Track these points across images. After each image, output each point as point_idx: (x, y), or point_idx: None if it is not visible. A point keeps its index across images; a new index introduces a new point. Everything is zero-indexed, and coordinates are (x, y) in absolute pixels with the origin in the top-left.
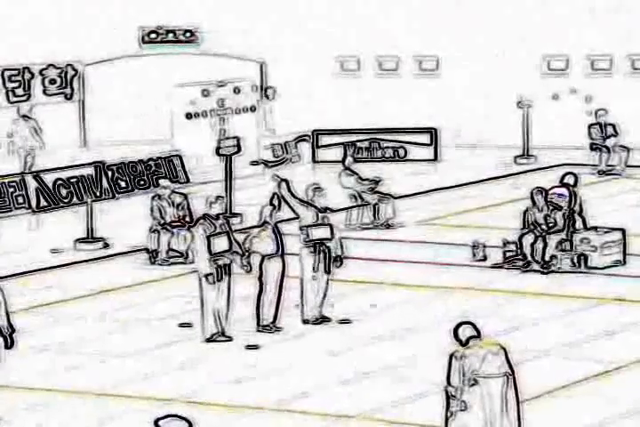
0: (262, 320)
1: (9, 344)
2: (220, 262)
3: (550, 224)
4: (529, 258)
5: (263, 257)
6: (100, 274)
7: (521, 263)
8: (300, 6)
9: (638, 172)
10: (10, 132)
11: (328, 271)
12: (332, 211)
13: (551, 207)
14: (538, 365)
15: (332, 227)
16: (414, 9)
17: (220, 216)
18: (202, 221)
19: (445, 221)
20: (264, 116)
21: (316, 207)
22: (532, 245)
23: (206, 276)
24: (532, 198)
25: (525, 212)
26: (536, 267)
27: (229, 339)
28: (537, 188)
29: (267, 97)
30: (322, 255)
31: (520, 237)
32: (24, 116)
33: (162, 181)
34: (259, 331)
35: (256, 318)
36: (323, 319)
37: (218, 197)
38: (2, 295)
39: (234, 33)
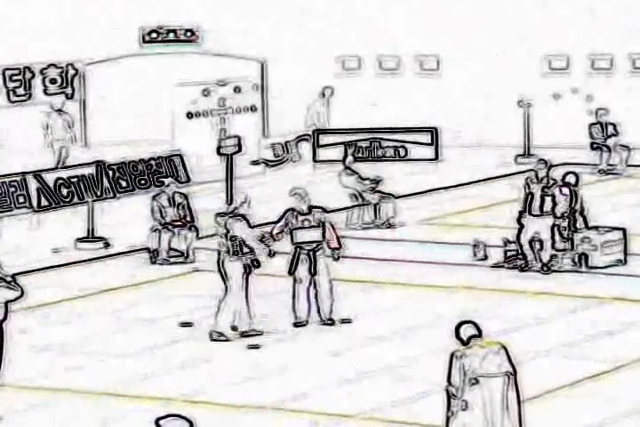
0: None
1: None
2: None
3: (546, 191)
4: (529, 258)
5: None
6: (100, 273)
7: (521, 263)
8: (300, 6)
9: (639, 171)
10: (44, 126)
11: (313, 273)
12: (326, 211)
13: (552, 182)
14: (538, 365)
15: (323, 226)
16: (414, 9)
17: (242, 217)
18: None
19: (446, 221)
20: (314, 112)
21: (294, 210)
22: (531, 244)
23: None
24: (535, 170)
25: (527, 186)
26: (536, 267)
27: (260, 333)
28: (540, 159)
29: (323, 95)
30: (305, 258)
31: (518, 236)
32: (58, 110)
33: (167, 180)
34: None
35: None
36: (329, 322)
37: (247, 198)
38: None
39: (234, 33)
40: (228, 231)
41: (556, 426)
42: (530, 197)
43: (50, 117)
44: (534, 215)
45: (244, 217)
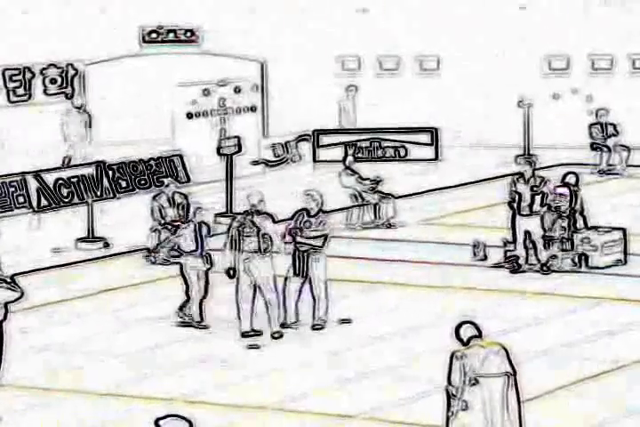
0: (188, 315)
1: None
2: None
3: (535, 190)
4: (521, 260)
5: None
6: (100, 274)
7: (513, 264)
8: (300, 6)
9: (639, 171)
10: (61, 123)
11: (304, 275)
12: (326, 212)
13: (539, 179)
14: (538, 365)
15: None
16: (414, 9)
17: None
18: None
19: (446, 221)
20: (343, 111)
21: (304, 210)
22: (525, 244)
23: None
24: (521, 171)
25: (513, 183)
26: (535, 268)
27: (260, 333)
28: (525, 158)
29: (347, 95)
30: (299, 258)
31: (513, 235)
32: (78, 108)
33: (167, 180)
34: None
35: (179, 311)
36: (318, 326)
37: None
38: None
39: (234, 33)
40: (259, 230)
41: (556, 426)
42: (518, 196)
43: (69, 115)
44: (524, 215)
45: (269, 215)
